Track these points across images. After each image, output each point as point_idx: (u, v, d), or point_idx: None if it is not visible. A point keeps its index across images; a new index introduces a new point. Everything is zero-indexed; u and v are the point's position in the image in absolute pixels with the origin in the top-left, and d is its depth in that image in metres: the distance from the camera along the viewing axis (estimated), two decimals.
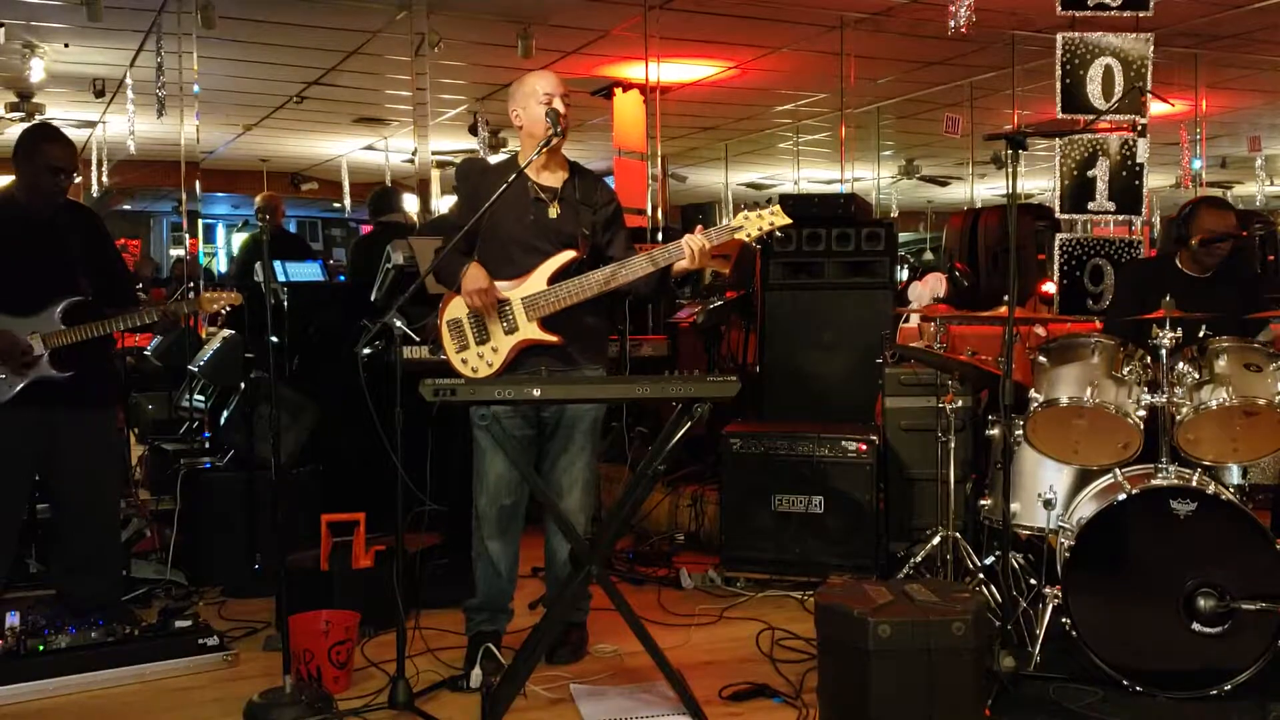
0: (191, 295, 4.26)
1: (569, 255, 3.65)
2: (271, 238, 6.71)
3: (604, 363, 3.88)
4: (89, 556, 4.10)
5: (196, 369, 5.71)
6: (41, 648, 3.65)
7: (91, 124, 11.65)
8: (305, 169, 15.37)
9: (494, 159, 4.17)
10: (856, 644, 3.05)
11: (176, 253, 17.86)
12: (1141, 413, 3.76)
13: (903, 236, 18.65)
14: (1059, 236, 5.57)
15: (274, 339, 4.31)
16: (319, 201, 16.95)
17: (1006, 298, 3.69)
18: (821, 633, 3.29)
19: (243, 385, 5.12)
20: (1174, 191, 12.79)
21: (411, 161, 10.56)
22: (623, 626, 3.40)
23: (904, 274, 9.39)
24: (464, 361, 3.65)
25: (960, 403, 4.33)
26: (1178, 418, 3.72)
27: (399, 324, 3.44)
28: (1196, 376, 3.74)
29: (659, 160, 8.67)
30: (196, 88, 8.15)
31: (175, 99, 8.50)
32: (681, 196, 18.50)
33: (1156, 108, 6.15)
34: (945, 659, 3.04)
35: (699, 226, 3.62)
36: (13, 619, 3.70)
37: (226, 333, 5.75)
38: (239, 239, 15.74)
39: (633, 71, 9.13)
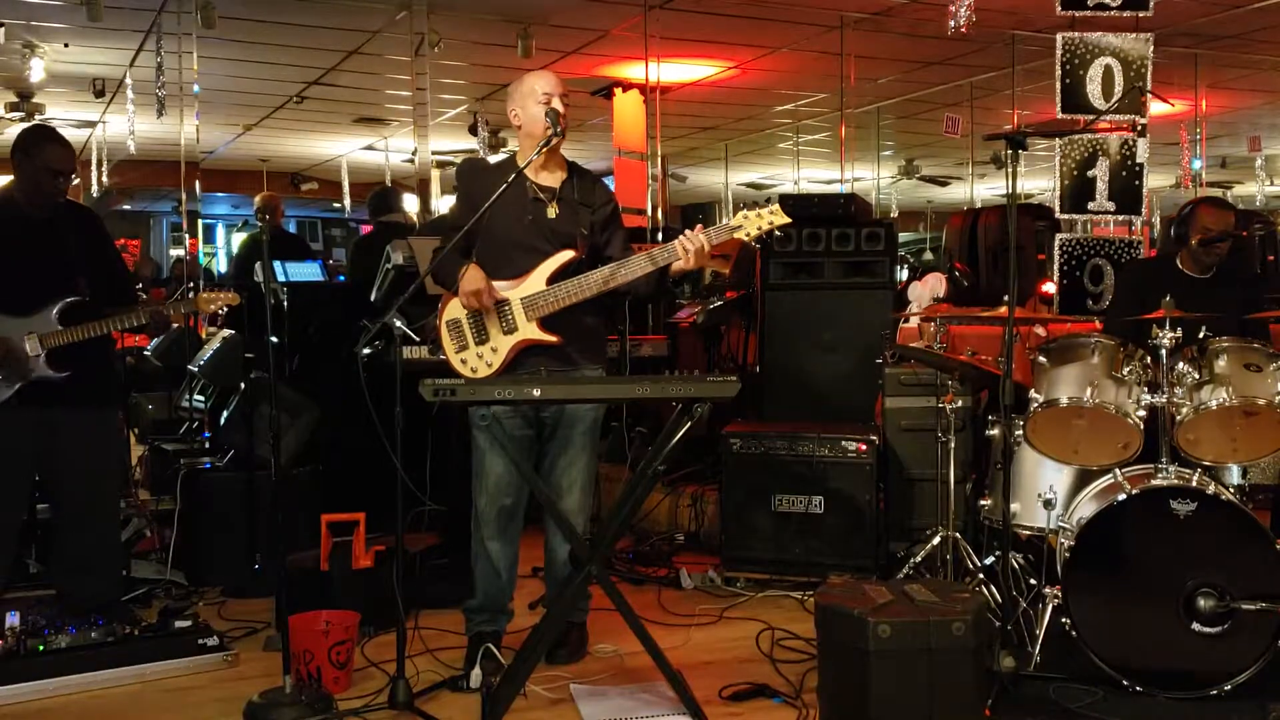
0: (190, 295, 4.25)
1: (568, 255, 3.65)
2: (271, 238, 6.70)
3: (603, 363, 3.88)
4: (89, 556, 4.10)
5: (196, 369, 5.71)
6: (41, 648, 3.65)
7: (91, 124, 11.65)
8: (305, 169, 15.37)
9: (494, 159, 4.17)
10: (856, 644, 3.06)
11: (176, 253, 17.86)
12: (1141, 413, 3.76)
13: (903, 236, 18.65)
14: (1059, 236, 5.57)
15: (274, 339, 4.30)
16: (319, 201, 16.95)
17: (1006, 298, 3.68)
18: (821, 633, 3.29)
19: (243, 385, 5.12)
20: (1174, 191, 12.79)
21: (411, 161, 10.57)
22: (623, 626, 3.40)
23: (904, 274, 9.38)
24: (463, 362, 3.65)
25: (960, 403, 4.33)
26: (1178, 418, 3.72)
27: (399, 324, 3.44)
28: (1196, 376, 3.74)
29: (659, 160, 8.67)
30: (196, 88, 8.15)
31: (175, 99, 8.50)
32: (681, 196, 18.51)
33: (1156, 108, 6.15)
34: (945, 659, 3.04)
35: (699, 226, 3.62)
36: (13, 619, 3.70)
37: (226, 333, 5.76)
38: (239, 239, 15.75)
39: (633, 71, 9.13)
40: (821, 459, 4.70)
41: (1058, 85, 5.46)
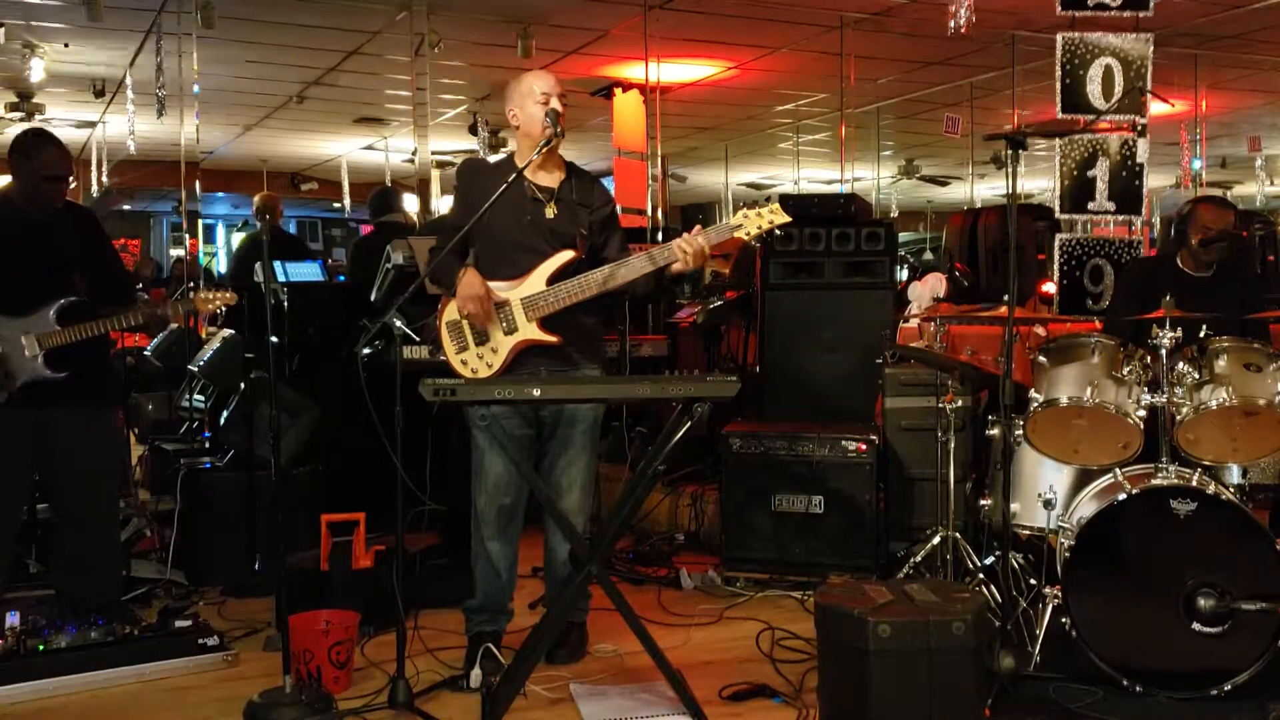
0: (188, 295, 4.25)
1: (567, 255, 3.65)
2: (270, 238, 6.70)
3: (602, 363, 3.88)
4: (89, 556, 4.10)
5: (196, 369, 5.71)
6: (41, 648, 3.65)
7: (91, 124, 11.65)
8: (305, 169, 15.37)
9: (493, 159, 4.17)
10: (856, 644, 3.05)
11: (176, 253, 17.86)
12: (1141, 413, 3.76)
13: (903, 236, 18.66)
14: (1059, 236, 5.57)
15: (274, 339, 4.31)
16: (319, 201, 16.94)
17: (1006, 298, 3.68)
18: (821, 633, 3.29)
19: (243, 385, 5.12)
20: (1174, 191, 12.79)
21: (411, 161, 10.56)
22: (623, 626, 3.40)
23: (904, 274, 9.38)
24: (463, 363, 3.65)
25: (960, 403, 4.33)
26: (1178, 418, 3.72)
27: (399, 324, 3.44)
28: (1196, 376, 3.74)
29: (659, 160, 8.66)
30: (196, 88, 8.15)
31: (175, 99, 8.50)
32: (681, 196, 18.51)
33: (1156, 108, 6.15)
34: (945, 659, 3.04)
35: (697, 227, 3.62)
36: (13, 619, 3.70)
37: (226, 333, 5.76)
38: (238, 239, 15.74)
39: (633, 71, 9.13)
40: (821, 459, 4.70)
41: (1058, 85, 5.46)
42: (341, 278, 8.58)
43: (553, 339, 3.62)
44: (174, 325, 6.14)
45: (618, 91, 8.59)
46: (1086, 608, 3.52)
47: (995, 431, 4.01)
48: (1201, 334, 3.81)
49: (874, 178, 14.10)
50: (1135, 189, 5.50)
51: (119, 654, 3.72)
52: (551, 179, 3.76)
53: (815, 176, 16.05)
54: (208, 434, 5.83)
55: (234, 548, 4.81)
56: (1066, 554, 3.66)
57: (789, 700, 3.48)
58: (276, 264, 6.00)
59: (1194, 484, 3.56)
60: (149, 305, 4.24)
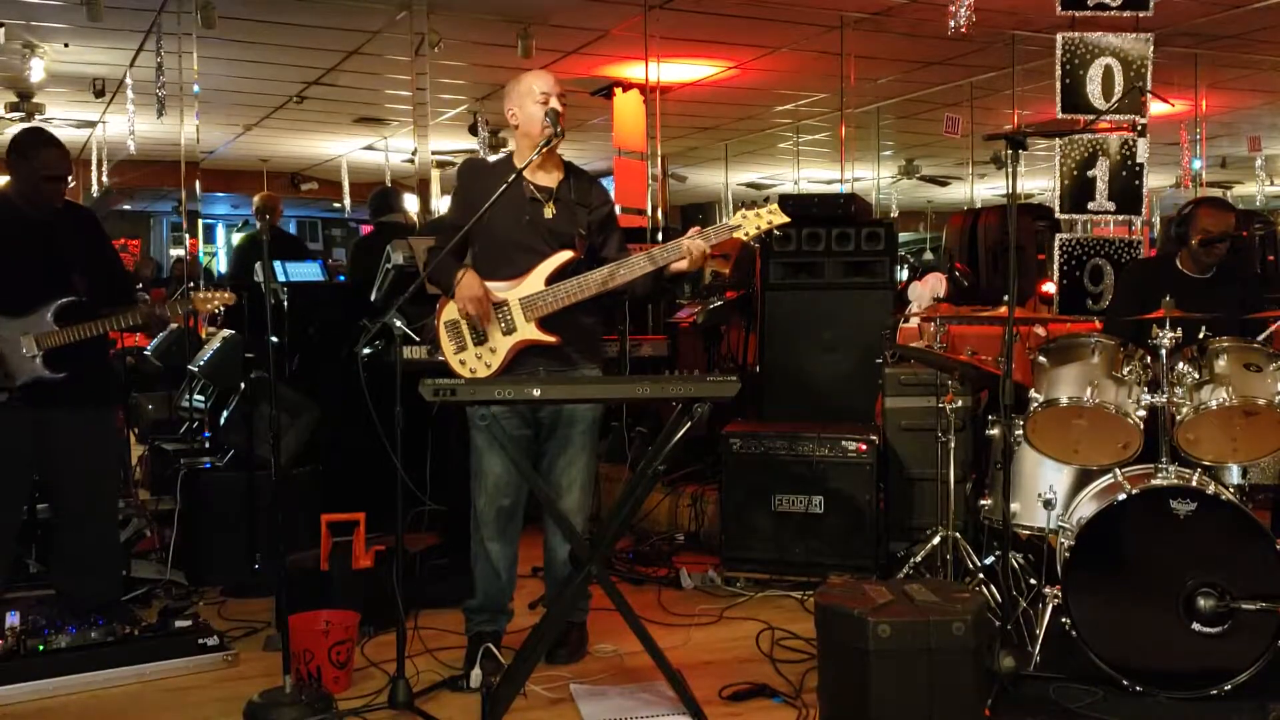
0: (188, 295, 4.25)
1: (566, 255, 3.65)
2: (270, 238, 6.70)
3: (600, 363, 3.88)
4: (89, 556, 4.10)
5: (196, 369, 5.71)
6: (41, 648, 3.65)
7: (91, 124, 11.64)
8: (305, 169, 15.36)
9: (492, 159, 4.17)
10: (856, 644, 3.05)
11: (176, 253, 17.86)
12: (1141, 413, 3.76)
13: (903, 236, 18.65)
14: (1059, 236, 5.57)
15: (274, 339, 4.30)
16: (319, 201, 16.94)
17: (1006, 298, 3.68)
18: (821, 633, 3.29)
19: (243, 385, 5.12)
20: (1174, 191, 12.79)
21: (411, 161, 10.56)
22: (623, 626, 3.40)
23: (904, 274, 9.38)
24: (462, 363, 3.64)
25: (960, 403, 4.33)
26: (1178, 418, 3.72)
27: (399, 324, 3.44)
28: (1196, 376, 3.74)
29: (659, 160, 8.66)
30: (196, 88, 8.14)
31: (175, 99, 8.49)
32: (681, 196, 18.51)
33: (1156, 108, 6.15)
34: (945, 659, 3.04)
35: (695, 228, 3.62)
36: (13, 619, 3.70)
37: (226, 333, 5.76)
38: (238, 239, 15.74)
39: (633, 71, 9.13)
40: (821, 459, 4.70)
41: (1058, 85, 5.46)
42: (341, 278, 8.59)
43: (551, 339, 3.62)
44: (174, 325, 6.15)
45: (618, 91, 8.59)
46: (1086, 608, 3.52)
47: (995, 431, 4.01)
48: (1201, 334, 3.81)
49: (874, 178, 14.10)
50: (1135, 189, 5.50)
51: (119, 654, 3.72)
52: (550, 179, 3.76)
53: (815, 176, 16.04)
54: (208, 434, 5.83)
55: (234, 548, 4.81)
56: (1066, 554, 3.66)
57: (789, 700, 3.48)
58: (276, 264, 6.00)
59: (1194, 484, 3.56)
60: (148, 305, 4.24)
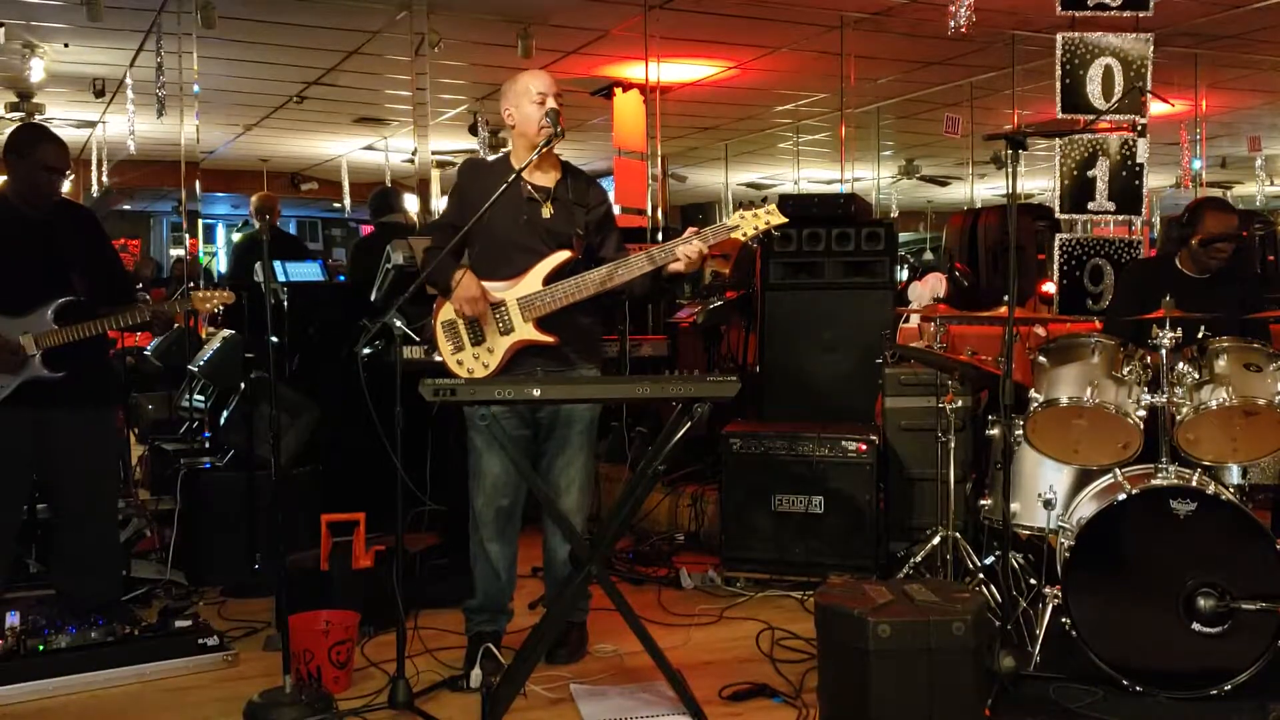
0: (188, 295, 4.25)
1: (564, 255, 3.64)
2: (270, 238, 6.70)
3: (599, 363, 3.88)
4: (88, 556, 4.09)
5: (196, 369, 5.71)
6: (41, 648, 3.65)
7: (91, 124, 11.65)
8: (305, 169, 15.36)
9: (491, 159, 4.16)
10: (856, 644, 3.05)
11: (176, 253, 17.86)
12: (1141, 413, 3.76)
13: (903, 236, 18.65)
14: (1059, 236, 5.57)
15: (274, 339, 4.31)
16: (319, 201, 16.94)
17: (1006, 298, 3.68)
18: (821, 633, 3.29)
19: (243, 385, 5.12)
20: (1174, 191, 12.79)
21: (411, 161, 10.56)
22: (623, 626, 3.40)
23: (904, 274, 9.38)
24: (459, 363, 3.64)
25: (960, 403, 4.33)
26: (1178, 418, 3.72)
27: (399, 324, 3.44)
28: (1196, 376, 3.74)
29: (659, 160, 8.66)
30: (196, 88, 8.14)
31: (175, 99, 8.49)
32: (681, 196, 18.51)
33: (1156, 108, 6.15)
34: (945, 659, 3.04)
35: (693, 228, 3.62)
36: (13, 619, 3.70)
37: (226, 333, 5.76)
38: (237, 239, 15.74)
39: (633, 71, 9.13)
40: (821, 459, 4.70)
41: (1058, 85, 5.46)
42: (341, 278, 8.59)
43: (549, 339, 3.62)
44: (175, 324, 6.16)
45: (618, 91, 8.59)
46: (1086, 608, 3.52)
47: (995, 431, 4.01)
48: (1201, 334, 3.81)
49: (874, 178, 14.10)
50: (1135, 189, 5.50)
51: (119, 654, 3.72)
52: (547, 179, 3.76)
53: (815, 176, 16.04)
54: (208, 434, 5.83)
55: (234, 548, 4.81)
56: (1066, 554, 3.66)
57: (789, 700, 3.48)
58: (276, 264, 6.00)
59: (1194, 484, 3.56)
60: (154, 303, 4.24)
